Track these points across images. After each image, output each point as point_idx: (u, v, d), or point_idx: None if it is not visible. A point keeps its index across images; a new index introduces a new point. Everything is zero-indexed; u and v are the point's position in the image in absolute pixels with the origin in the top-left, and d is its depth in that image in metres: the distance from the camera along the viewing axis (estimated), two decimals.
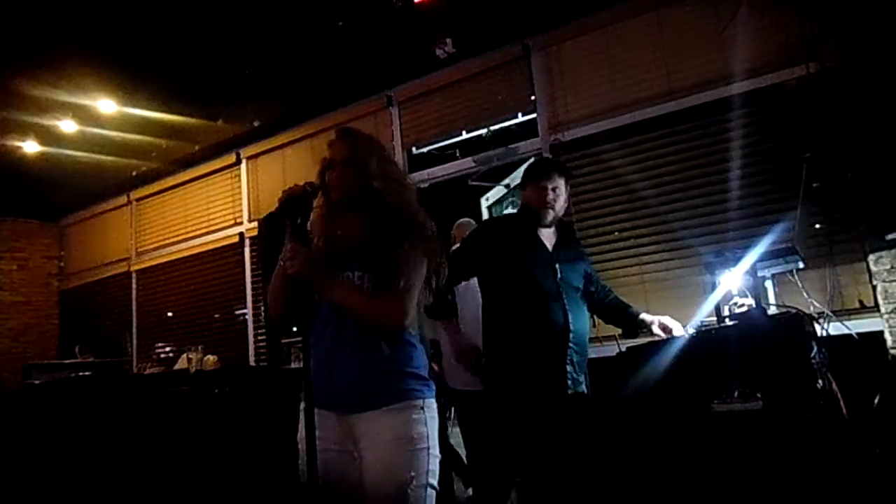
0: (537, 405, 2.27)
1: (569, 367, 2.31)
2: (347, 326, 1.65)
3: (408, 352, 1.66)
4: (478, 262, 2.46)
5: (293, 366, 4.58)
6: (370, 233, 1.69)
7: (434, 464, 1.60)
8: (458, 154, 4.54)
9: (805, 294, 2.67)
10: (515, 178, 4.30)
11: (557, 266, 2.39)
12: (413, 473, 1.55)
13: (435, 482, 1.60)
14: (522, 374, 2.30)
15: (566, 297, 2.37)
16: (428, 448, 1.59)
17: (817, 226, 3.15)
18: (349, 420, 1.62)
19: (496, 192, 4.54)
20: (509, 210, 4.33)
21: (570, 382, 2.31)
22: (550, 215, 2.45)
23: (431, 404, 1.65)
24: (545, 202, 2.44)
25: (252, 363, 5.30)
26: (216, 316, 5.68)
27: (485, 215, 4.65)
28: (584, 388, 2.38)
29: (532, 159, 3.29)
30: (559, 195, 2.47)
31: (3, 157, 5.30)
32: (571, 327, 2.34)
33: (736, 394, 2.06)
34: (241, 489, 3.39)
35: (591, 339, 2.51)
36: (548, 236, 2.49)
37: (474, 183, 4.49)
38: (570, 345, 2.33)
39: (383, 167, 1.72)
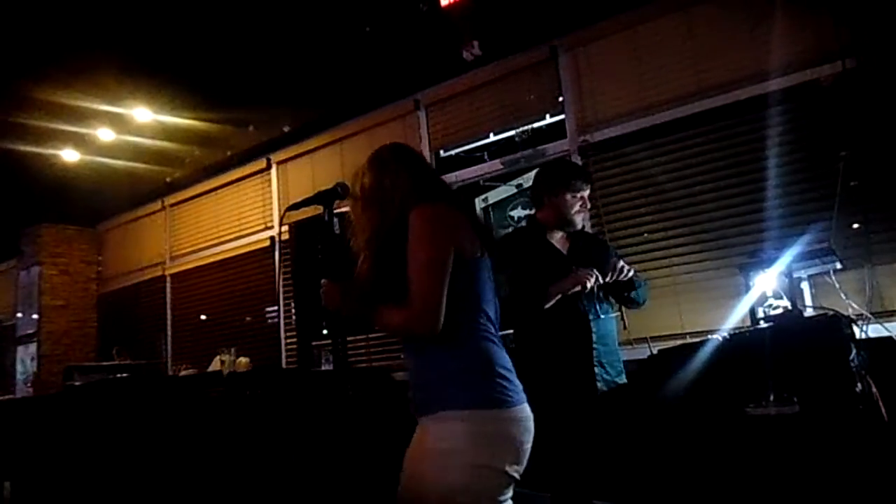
0: (568, 409, 2.25)
1: (598, 369, 2.30)
2: None
3: (437, 356, 1.58)
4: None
5: (323, 368, 4.63)
6: (370, 240, 1.67)
7: (475, 481, 1.48)
8: (486, 157, 4.54)
9: (843, 296, 2.60)
10: (529, 178, 4.28)
11: (574, 269, 2.38)
12: (445, 492, 1.47)
13: (481, 501, 1.50)
14: (551, 382, 2.28)
15: (585, 298, 2.35)
16: (467, 465, 1.48)
17: (855, 225, 3.07)
18: (419, 421, 1.62)
19: (498, 193, 4.49)
20: (517, 213, 4.30)
21: (600, 383, 2.29)
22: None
23: (481, 417, 1.51)
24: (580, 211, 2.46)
25: (283, 365, 5.37)
26: (248, 319, 5.77)
27: (479, 217, 4.59)
28: (622, 379, 2.36)
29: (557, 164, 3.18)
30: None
31: (44, 166, 5.47)
32: (593, 328, 2.33)
33: (772, 397, 2.02)
34: (271, 487, 3.44)
35: (621, 343, 2.49)
36: (560, 241, 2.48)
37: (488, 183, 4.48)
38: (595, 346, 2.31)
39: (372, 172, 1.70)
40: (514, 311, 2.38)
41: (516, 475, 1.54)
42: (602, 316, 2.40)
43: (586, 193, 2.46)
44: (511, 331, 2.55)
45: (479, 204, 4.61)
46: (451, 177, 4.64)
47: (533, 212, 2.60)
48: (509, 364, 1.61)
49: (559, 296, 2.29)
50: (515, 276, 2.36)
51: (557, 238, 2.48)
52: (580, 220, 2.47)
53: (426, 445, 1.53)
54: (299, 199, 1.75)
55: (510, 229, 4.36)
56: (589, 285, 2.27)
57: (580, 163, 3.97)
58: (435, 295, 1.53)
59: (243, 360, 5.00)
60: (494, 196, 4.53)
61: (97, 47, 3.93)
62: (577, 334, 2.31)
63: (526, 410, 1.58)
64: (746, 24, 3.44)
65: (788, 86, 3.32)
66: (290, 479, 3.36)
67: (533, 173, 4.20)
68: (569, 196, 2.42)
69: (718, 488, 2.08)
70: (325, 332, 4.72)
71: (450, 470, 1.48)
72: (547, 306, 2.29)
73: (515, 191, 4.37)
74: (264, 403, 3.81)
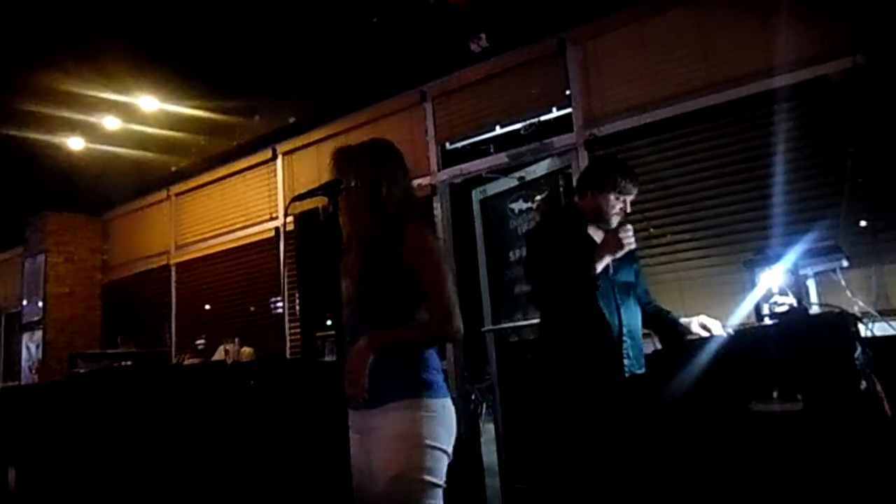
0: (596, 392, 2.28)
1: (626, 361, 2.34)
2: (363, 325, 1.72)
3: (388, 355, 1.70)
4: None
5: (326, 359, 4.64)
6: (363, 243, 1.77)
7: (431, 460, 1.64)
8: (492, 149, 4.52)
9: (849, 293, 2.59)
10: (532, 171, 4.28)
11: (609, 265, 2.40)
12: (402, 469, 1.61)
13: (434, 479, 1.64)
14: (579, 370, 2.31)
15: (618, 292, 2.40)
16: (423, 445, 1.63)
17: (862, 223, 3.05)
18: (363, 415, 1.70)
19: (498, 186, 4.47)
20: (518, 205, 4.29)
21: (627, 376, 2.34)
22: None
23: (430, 405, 1.68)
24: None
25: (287, 355, 5.38)
26: (252, 309, 5.79)
27: (476, 209, 4.60)
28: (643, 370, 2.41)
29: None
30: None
31: (50, 154, 5.48)
32: (624, 321, 2.37)
33: (776, 394, 2.01)
34: (274, 477, 3.46)
35: None
36: (597, 235, 2.50)
37: (489, 175, 4.48)
38: (625, 338, 2.36)
39: (367, 175, 1.78)
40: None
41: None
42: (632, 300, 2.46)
43: (630, 198, 2.47)
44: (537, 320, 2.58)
45: (476, 196, 4.60)
46: (455, 169, 4.63)
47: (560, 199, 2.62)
48: (438, 363, 1.79)
49: (609, 259, 2.33)
50: (555, 258, 2.36)
51: (593, 231, 2.49)
52: (616, 221, 2.48)
53: (383, 433, 1.66)
54: (304, 190, 1.75)
55: (510, 223, 4.36)
56: (634, 245, 2.35)
57: (587, 157, 3.95)
58: (456, 302, 1.71)
59: (247, 349, 5.02)
60: (493, 188, 4.51)
61: (104, 35, 3.93)
62: (607, 327, 2.34)
63: (451, 402, 1.77)
64: (757, 18, 3.41)
65: (797, 81, 3.29)
66: (292, 467, 3.37)
67: (535, 166, 4.23)
68: (612, 196, 2.44)
69: (721, 485, 2.08)
70: (328, 322, 4.74)
71: (407, 451, 1.63)
72: (598, 270, 2.32)
73: (517, 183, 4.35)
74: (268, 393, 3.82)
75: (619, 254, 2.35)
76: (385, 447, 1.65)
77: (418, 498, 1.61)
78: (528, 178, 4.29)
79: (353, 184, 1.75)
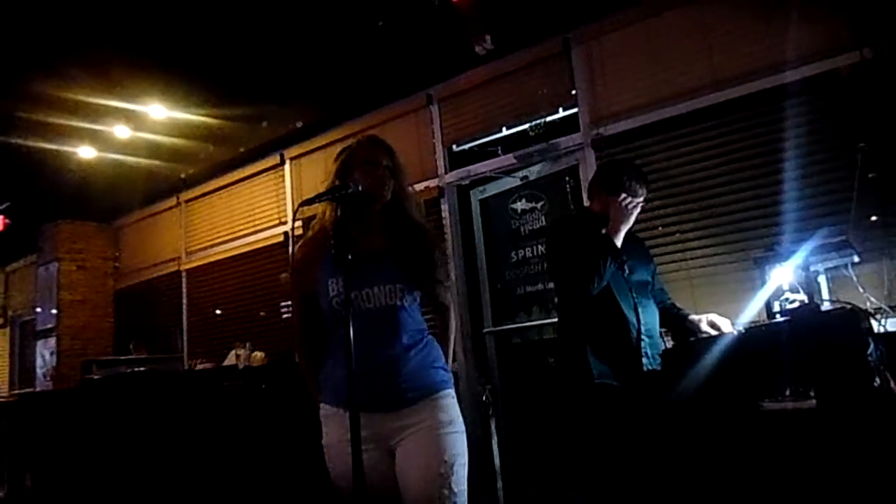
0: (617, 390, 2.30)
1: (644, 360, 2.35)
2: (385, 329, 1.75)
3: (432, 349, 1.84)
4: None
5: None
6: (391, 242, 1.83)
7: (465, 445, 1.77)
8: (499, 151, 4.52)
9: (861, 289, 2.57)
10: (535, 171, 4.28)
11: (626, 264, 2.41)
12: (454, 453, 1.71)
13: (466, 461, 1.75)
14: (600, 368, 2.32)
15: (636, 292, 2.41)
16: (463, 431, 1.77)
17: (873, 218, 3.03)
18: (383, 418, 1.71)
19: (499, 186, 4.46)
20: (521, 205, 4.28)
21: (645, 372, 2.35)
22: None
23: (453, 392, 1.83)
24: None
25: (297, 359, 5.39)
26: (262, 313, 5.81)
27: (475, 209, 4.59)
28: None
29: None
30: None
31: (62, 163, 5.54)
32: (642, 319, 2.37)
33: (788, 392, 2.00)
34: (286, 480, 3.48)
35: None
36: None
37: (493, 175, 4.49)
38: (643, 337, 2.37)
39: (406, 178, 1.93)
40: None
41: None
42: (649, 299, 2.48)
43: (639, 200, 2.47)
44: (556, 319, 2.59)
45: (475, 196, 4.60)
46: (463, 171, 4.63)
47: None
48: None
49: (623, 229, 2.39)
50: (575, 259, 2.37)
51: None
52: (628, 224, 2.48)
53: (433, 421, 1.72)
54: (313, 195, 1.76)
55: (512, 223, 4.37)
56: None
57: (594, 156, 3.95)
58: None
59: (259, 354, 5.05)
60: (494, 188, 4.51)
61: (112, 45, 3.97)
62: (626, 325, 2.35)
63: None
64: (763, 14, 3.39)
65: (806, 76, 3.27)
66: (304, 471, 3.39)
67: (538, 166, 4.23)
68: (623, 199, 2.45)
69: (733, 483, 2.07)
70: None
71: (459, 435, 1.74)
72: (619, 243, 2.38)
73: (519, 183, 4.35)
74: (280, 397, 3.85)
75: (630, 220, 2.41)
76: (438, 434, 1.70)
77: (464, 480, 1.70)
78: (532, 177, 4.29)
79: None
